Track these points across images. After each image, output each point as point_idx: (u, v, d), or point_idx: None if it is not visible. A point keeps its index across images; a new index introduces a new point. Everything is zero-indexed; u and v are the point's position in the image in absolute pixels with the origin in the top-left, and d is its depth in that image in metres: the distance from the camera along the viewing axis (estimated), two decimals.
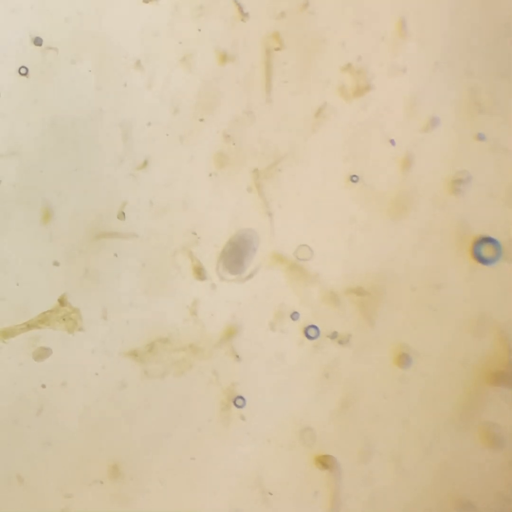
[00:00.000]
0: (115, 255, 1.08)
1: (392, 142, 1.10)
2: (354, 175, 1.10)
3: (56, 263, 1.07)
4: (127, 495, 1.08)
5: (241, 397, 1.09)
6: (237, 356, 1.09)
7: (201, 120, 1.09)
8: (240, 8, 1.09)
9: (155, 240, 1.09)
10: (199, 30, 1.09)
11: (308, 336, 1.09)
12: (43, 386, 1.07)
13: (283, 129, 1.10)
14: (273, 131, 1.10)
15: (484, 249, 1.09)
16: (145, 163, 1.09)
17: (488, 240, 1.09)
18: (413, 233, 1.10)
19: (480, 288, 1.09)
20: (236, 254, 1.09)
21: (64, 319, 1.07)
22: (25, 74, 1.07)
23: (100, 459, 1.08)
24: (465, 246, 1.09)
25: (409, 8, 1.10)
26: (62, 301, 1.07)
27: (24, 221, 1.07)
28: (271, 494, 1.09)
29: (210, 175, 1.09)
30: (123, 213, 1.08)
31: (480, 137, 1.09)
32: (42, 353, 1.07)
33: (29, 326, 1.07)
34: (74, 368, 1.08)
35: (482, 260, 1.09)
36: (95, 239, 1.08)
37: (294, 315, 1.09)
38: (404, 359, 1.09)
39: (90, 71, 1.08)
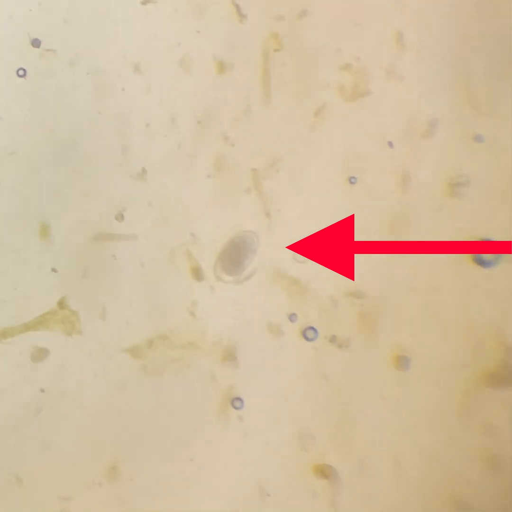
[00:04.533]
0: (114, 256, 1.08)
1: (390, 144, 1.09)
2: (353, 177, 1.10)
3: (54, 270, 1.07)
4: (126, 497, 1.08)
5: (239, 399, 1.09)
6: (235, 358, 1.09)
7: (200, 121, 1.09)
8: (238, 10, 1.09)
9: (153, 241, 1.09)
10: (198, 31, 1.09)
11: (306, 338, 1.09)
12: (41, 387, 1.07)
13: (282, 130, 1.10)
14: (272, 132, 1.10)
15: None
16: (144, 165, 1.09)
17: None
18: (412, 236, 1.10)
19: (479, 290, 1.09)
20: (234, 255, 1.09)
21: (62, 322, 1.07)
22: (23, 76, 1.07)
23: (98, 461, 1.08)
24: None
25: (407, 11, 1.10)
26: (61, 304, 1.07)
27: (21, 224, 1.07)
28: (269, 495, 1.09)
29: (209, 176, 1.09)
30: (122, 215, 1.08)
31: (478, 138, 1.09)
32: (40, 355, 1.07)
33: (27, 327, 1.07)
34: (72, 369, 1.08)
35: (481, 262, 1.08)
36: (93, 240, 1.08)
37: (292, 317, 1.09)
38: (403, 362, 1.09)
39: (88, 73, 1.08)
